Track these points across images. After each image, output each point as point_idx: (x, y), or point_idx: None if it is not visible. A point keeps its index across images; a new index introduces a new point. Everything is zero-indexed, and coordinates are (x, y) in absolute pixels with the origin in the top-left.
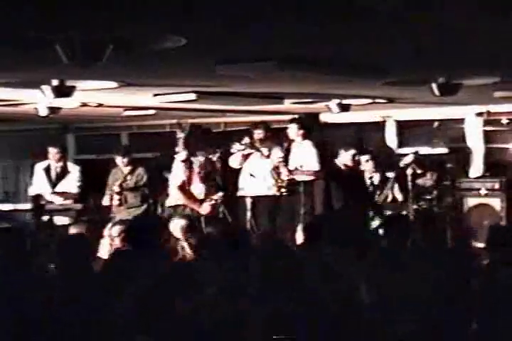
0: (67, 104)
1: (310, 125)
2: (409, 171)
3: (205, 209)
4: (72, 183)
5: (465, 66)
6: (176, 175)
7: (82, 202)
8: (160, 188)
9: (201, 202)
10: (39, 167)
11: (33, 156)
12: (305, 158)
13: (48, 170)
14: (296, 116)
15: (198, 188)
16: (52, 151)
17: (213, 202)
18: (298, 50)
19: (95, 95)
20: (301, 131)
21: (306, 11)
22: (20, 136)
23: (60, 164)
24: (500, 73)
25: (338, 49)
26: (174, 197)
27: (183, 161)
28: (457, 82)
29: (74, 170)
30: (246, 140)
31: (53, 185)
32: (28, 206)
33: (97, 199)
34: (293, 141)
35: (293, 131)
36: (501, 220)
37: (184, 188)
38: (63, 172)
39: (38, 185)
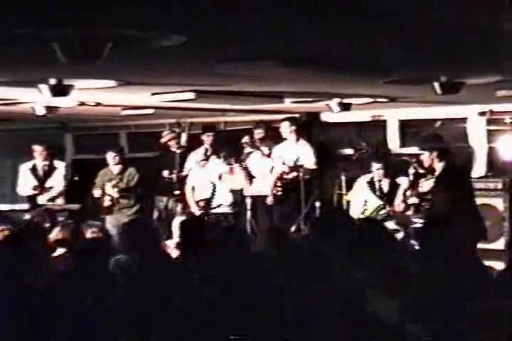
0: (64, 103)
1: (304, 124)
2: (411, 171)
3: None
4: (58, 180)
5: (467, 64)
6: None
7: (79, 202)
8: None
9: None
10: (24, 167)
11: (31, 156)
12: (301, 156)
13: (34, 169)
14: (295, 115)
15: None
16: (38, 149)
17: None
18: (298, 48)
19: (93, 94)
20: (294, 130)
21: (306, 10)
22: (18, 135)
23: (47, 162)
24: (503, 72)
25: (339, 47)
26: None
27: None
28: (459, 81)
29: (60, 167)
30: (246, 139)
31: (41, 184)
32: (25, 206)
33: (94, 199)
34: (285, 139)
35: (286, 129)
36: (504, 221)
37: None
38: (50, 171)
39: (24, 185)
